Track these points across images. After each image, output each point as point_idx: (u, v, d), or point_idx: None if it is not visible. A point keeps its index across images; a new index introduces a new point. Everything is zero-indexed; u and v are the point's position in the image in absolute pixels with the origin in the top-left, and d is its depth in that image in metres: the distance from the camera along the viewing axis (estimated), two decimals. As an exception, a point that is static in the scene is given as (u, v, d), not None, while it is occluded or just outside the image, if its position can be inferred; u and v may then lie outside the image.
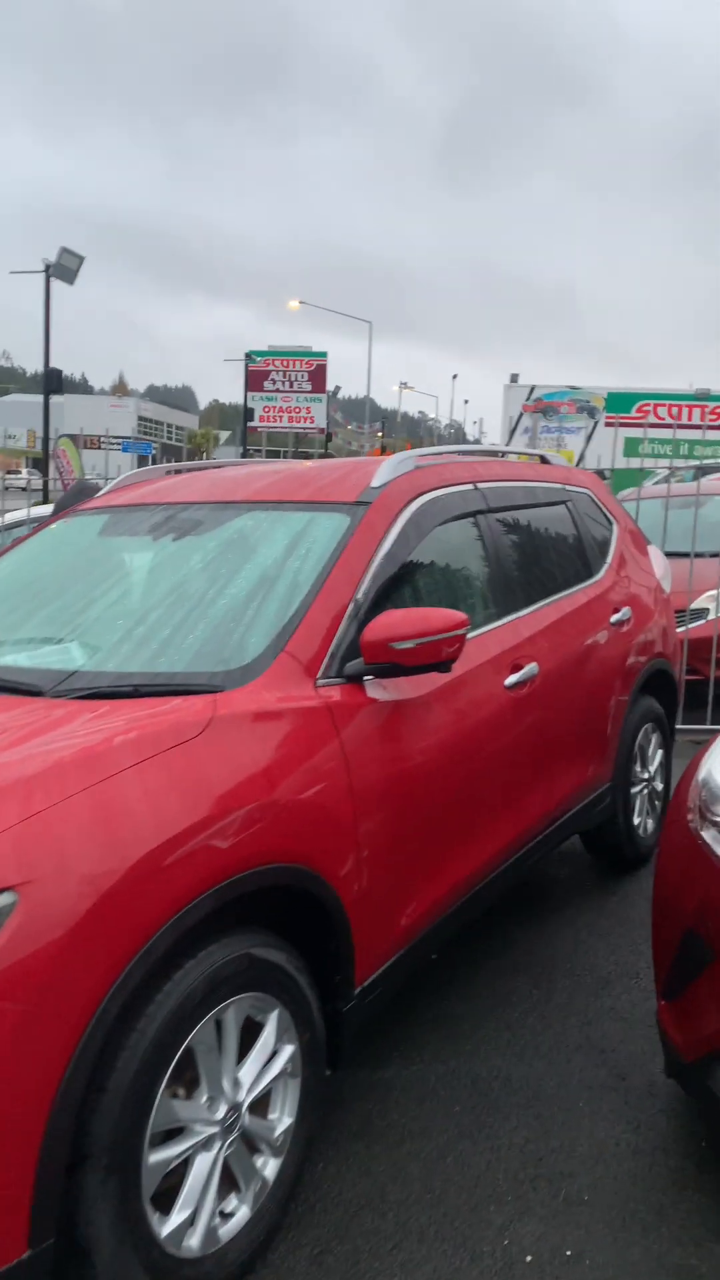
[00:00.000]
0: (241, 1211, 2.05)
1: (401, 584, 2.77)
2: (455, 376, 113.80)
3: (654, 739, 4.28)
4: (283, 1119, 2.16)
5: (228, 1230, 2.01)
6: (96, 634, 2.62)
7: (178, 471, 3.63)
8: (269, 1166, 2.13)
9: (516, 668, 3.10)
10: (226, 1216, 2.03)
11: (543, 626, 3.36)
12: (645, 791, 4.22)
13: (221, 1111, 1.98)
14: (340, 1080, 2.70)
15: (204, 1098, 1.95)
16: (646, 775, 4.23)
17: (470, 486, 3.30)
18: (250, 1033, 2.09)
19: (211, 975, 1.91)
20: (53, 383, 19.61)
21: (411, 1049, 2.86)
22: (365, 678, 2.47)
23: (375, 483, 2.91)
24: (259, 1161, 2.12)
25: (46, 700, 2.25)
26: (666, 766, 4.45)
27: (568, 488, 4.04)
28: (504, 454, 4.03)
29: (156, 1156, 1.83)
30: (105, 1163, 1.71)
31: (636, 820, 4.11)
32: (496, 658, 3.03)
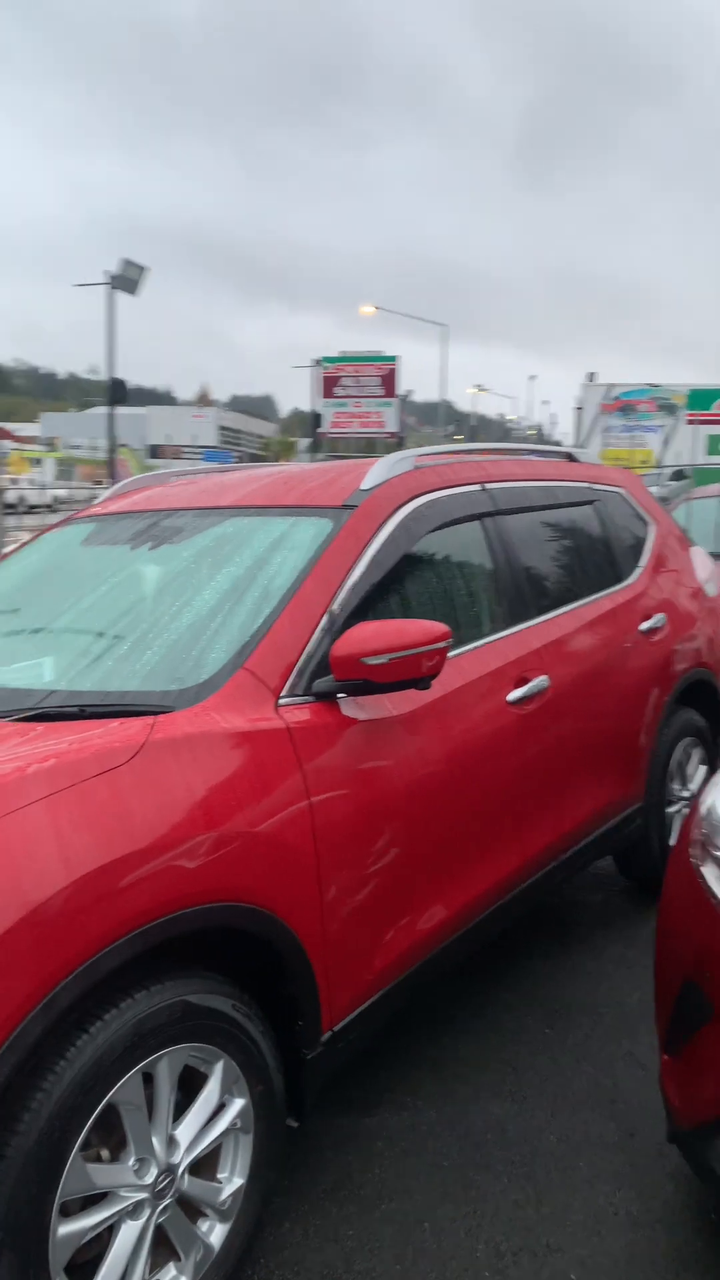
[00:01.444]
0: (180, 1283, 1.88)
1: (387, 594, 2.57)
2: (533, 377, 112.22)
3: (695, 754, 3.98)
4: (232, 1179, 1.98)
5: (162, 1305, 1.84)
6: (59, 649, 2.49)
7: (183, 476, 3.49)
8: (215, 1232, 1.96)
9: (522, 681, 2.87)
10: (164, 1288, 1.86)
11: (557, 636, 3.12)
12: (685, 811, 3.92)
13: (152, 1175, 1.81)
14: (321, 1128, 2.51)
15: (131, 1159, 1.78)
16: (687, 793, 3.93)
17: (477, 488, 3.08)
18: (195, 1085, 1.93)
19: (135, 1027, 1.74)
20: (117, 393, 19.83)
21: (404, 1093, 2.66)
22: (338, 696, 2.28)
23: (365, 485, 2.72)
24: (203, 1227, 1.94)
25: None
26: (712, 784, 4.14)
27: (595, 487, 3.78)
28: (522, 451, 3.79)
29: (69, 1227, 1.67)
30: (2, 1236, 1.55)
31: (673, 842, 3.82)
32: (498, 671, 2.80)
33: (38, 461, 42.53)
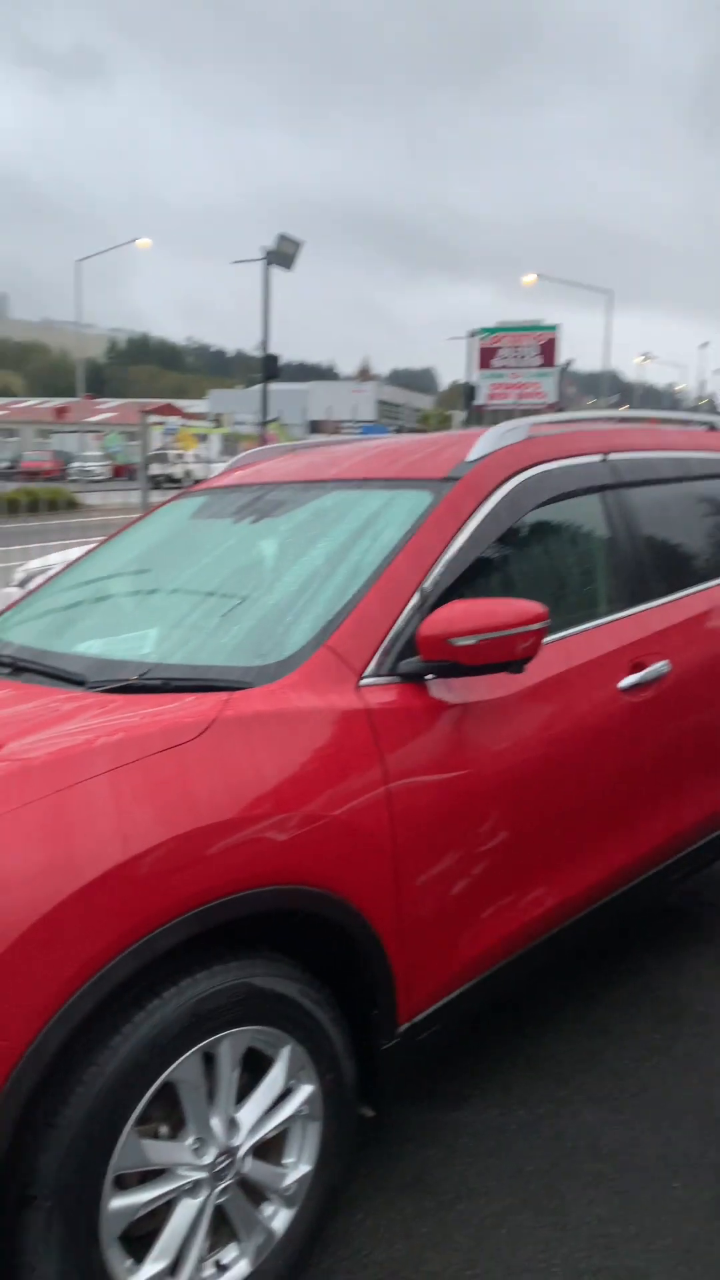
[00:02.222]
0: (240, 1266, 1.86)
1: (487, 571, 2.45)
2: (704, 345, 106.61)
3: None
4: (298, 1166, 1.95)
5: (220, 1285, 1.83)
6: (156, 622, 2.49)
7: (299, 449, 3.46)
8: (278, 1218, 1.93)
9: (638, 667, 2.69)
10: (222, 1269, 1.85)
11: (681, 619, 2.91)
12: None
13: (210, 1155, 1.79)
14: (403, 1119, 2.45)
15: (189, 1139, 1.77)
16: None
17: (597, 459, 2.90)
18: (262, 1068, 1.90)
19: (195, 1006, 1.72)
20: (270, 369, 20.06)
21: (494, 1090, 2.56)
22: (426, 677, 2.19)
23: (471, 456, 2.60)
24: (266, 1211, 1.92)
25: (77, 693, 2.13)
26: None
27: (737, 459, 3.50)
28: (657, 420, 3.55)
29: (123, 1200, 1.67)
30: (50, 1205, 1.56)
31: None
32: (610, 655, 2.63)
33: (204, 438, 43.85)
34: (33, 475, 40.53)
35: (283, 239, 18.20)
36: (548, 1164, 2.29)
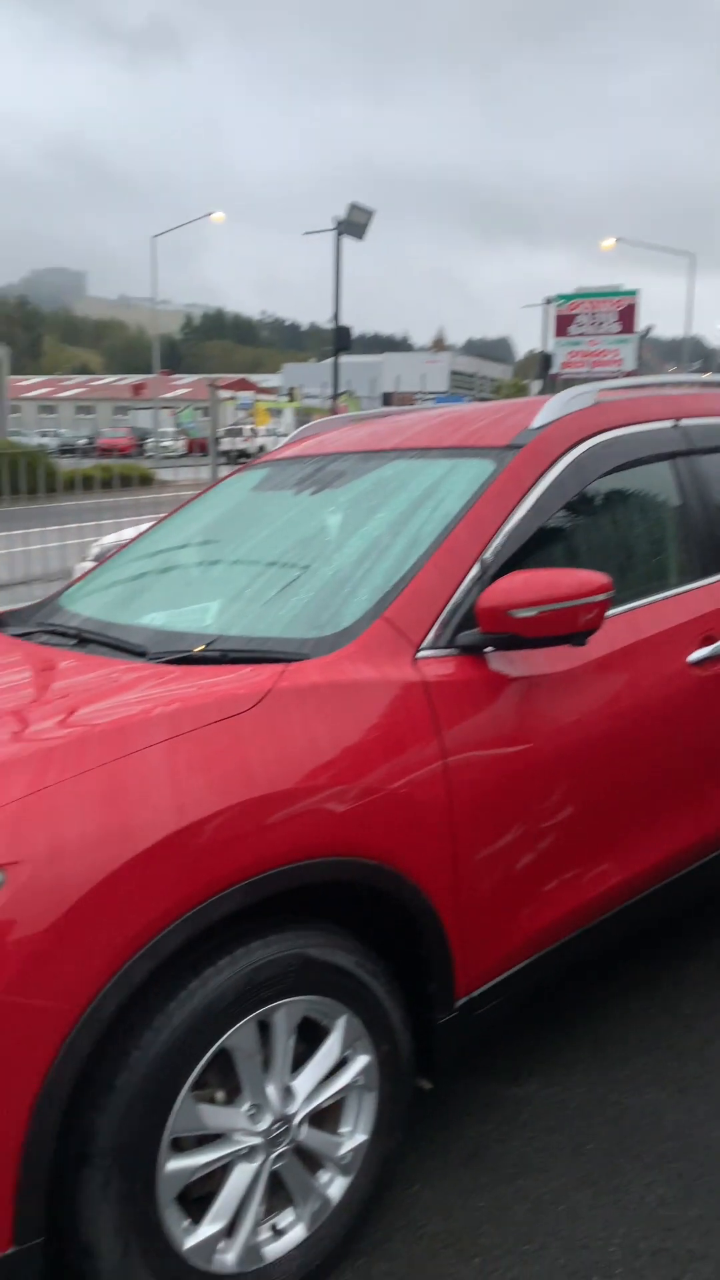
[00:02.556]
0: (296, 1231, 1.88)
1: (551, 541, 2.39)
2: None
3: None
4: (354, 1135, 1.96)
5: (276, 1249, 1.85)
6: (216, 594, 2.50)
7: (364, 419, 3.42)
8: (334, 1185, 1.94)
9: (708, 640, 2.61)
10: (279, 1233, 1.87)
11: (756, 591, 2.80)
12: None
13: (266, 1122, 1.81)
14: (463, 1092, 2.44)
15: (245, 1105, 1.79)
16: None
17: (668, 424, 2.81)
18: (318, 1038, 1.91)
19: (250, 975, 1.73)
20: (342, 340, 19.92)
21: (556, 1067, 2.53)
22: (485, 650, 2.15)
23: (536, 423, 2.54)
24: (322, 1179, 1.93)
25: (137, 663, 2.15)
26: None
27: None
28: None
29: (180, 1162, 1.70)
30: (108, 1164, 1.60)
31: None
32: (679, 628, 2.56)
33: (277, 412, 43.99)
34: (109, 452, 41.18)
35: (354, 208, 17.99)
36: (609, 1143, 2.26)
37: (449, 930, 2.02)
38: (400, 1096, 2.01)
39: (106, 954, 1.55)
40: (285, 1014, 1.81)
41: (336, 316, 19.57)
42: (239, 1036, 1.74)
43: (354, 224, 17.97)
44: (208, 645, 2.15)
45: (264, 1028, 1.80)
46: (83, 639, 2.42)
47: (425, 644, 2.10)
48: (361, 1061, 1.94)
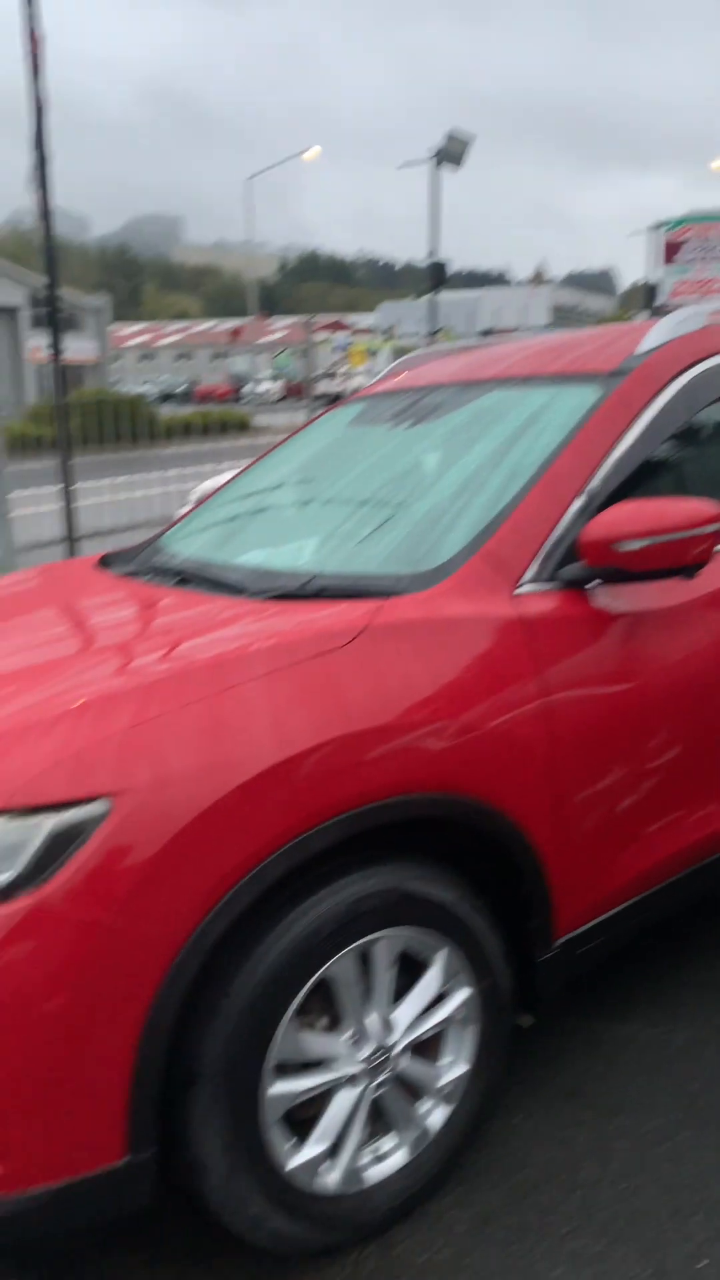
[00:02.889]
0: (396, 1157, 1.91)
1: (659, 471, 2.30)
2: None
3: None
4: (455, 1066, 1.97)
5: (377, 1173, 1.89)
6: (316, 531, 2.49)
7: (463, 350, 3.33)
8: (435, 1114, 1.96)
9: None
10: (380, 1159, 1.91)
11: None
12: None
13: (366, 1051, 1.83)
14: (566, 1028, 2.43)
15: (345, 1034, 1.82)
16: None
17: (786, 346, 2.64)
18: (418, 971, 1.92)
19: (349, 907, 1.74)
20: (438, 275, 19.43)
21: (662, 1008, 2.50)
22: (589, 585, 2.08)
23: (643, 348, 2.42)
24: (423, 1108, 1.95)
25: (236, 600, 2.15)
26: None
27: None
28: None
29: (283, 1087, 1.74)
30: (214, 1085, 1.64)
31: None
32: None
33: (373, 352, 43.46)
34: (207, 398, 41.45)
35: (451, 136, 17.39)
36: (713, 1084, 2.23)
37: (549, 869, 1.99)
38: (501, 1030, 2.02)
39: (210, 882, 1.58)
40: (385, 946, 1.82)
41: (433, 251, 19.08)
42: (339, 967, 1.76)
43: (451, 152, 17.36)
44: (297, 584, 2.14)
45: (364, 959, 1.82)
46: (183, 578, 2.45)
47: (525, 579, 2.05)
48: (462, 995, 1.95)
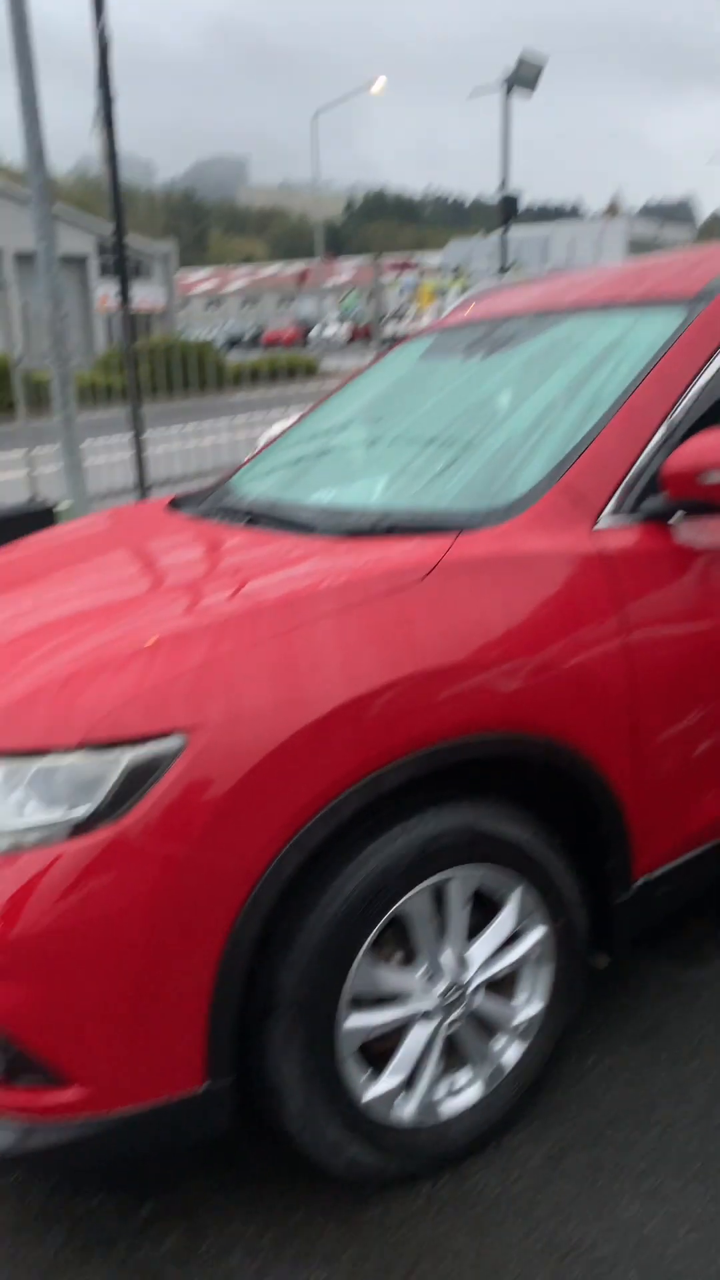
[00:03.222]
0: (471, 1091, 1.92)
1: (746, 398, 2.18)
2: None
3: None
4: (530, 1005, 1.97)
5: (452, 1107, 1.90)
6: (388, 468, 2.44)
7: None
8: (510, 1051, 1.96)
9: None
10: (455, 1093, 1.92)
11: None
12: None
13: (441, 988, 1.84)
14: (642, 970, 2.41)
15: (420, 970, 1.82)
16: None
17: None
18: (493, 909, 1.91)
19: (423, 845, 1.73)
20: (508, 209, 18.84)
21: (739, 952, 2.46)
22: (672, 518, 2.01)
23: (730, 269, 2.30)
24: (497, 1044, 1.96)
25: (306, 538, 2.13)
26: None
27: None
28: None
29: (358, 1020, 1.75)
30: (291, 1016, 1.66)
31: None
32: None
33: (442, 292, 42.61)
34: (274, 344, 41.15)
35: (523, 60, 16.69)
36: None
37: (627, 810, 1.95)
38: (577, 970, 2.00)
39: (284, 817, 1.58)
40: (459, 884, 1.81)
41: (504, 184, 18.48)
42: (413, 903, 1.76)
43: (523, 77, 16.68)
44: (368, 521, 2.10)
45: (439, 896, 1.81)
46: (252, 517, 2.43)
47: (605, 512, 1.98)
48: (537, 934, 1.93)
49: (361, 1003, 1.79)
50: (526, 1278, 1.68)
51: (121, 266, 7.80)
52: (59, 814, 1.53)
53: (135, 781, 1.53)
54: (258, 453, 3.06)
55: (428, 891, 1.78)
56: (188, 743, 1.54)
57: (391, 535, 2.02)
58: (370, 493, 2.40)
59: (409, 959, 1.83)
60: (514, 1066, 1.96)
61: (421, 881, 1.75)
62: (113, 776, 1.52)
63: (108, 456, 8.87)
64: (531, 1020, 1.96)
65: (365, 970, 1.73)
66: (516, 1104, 1.97)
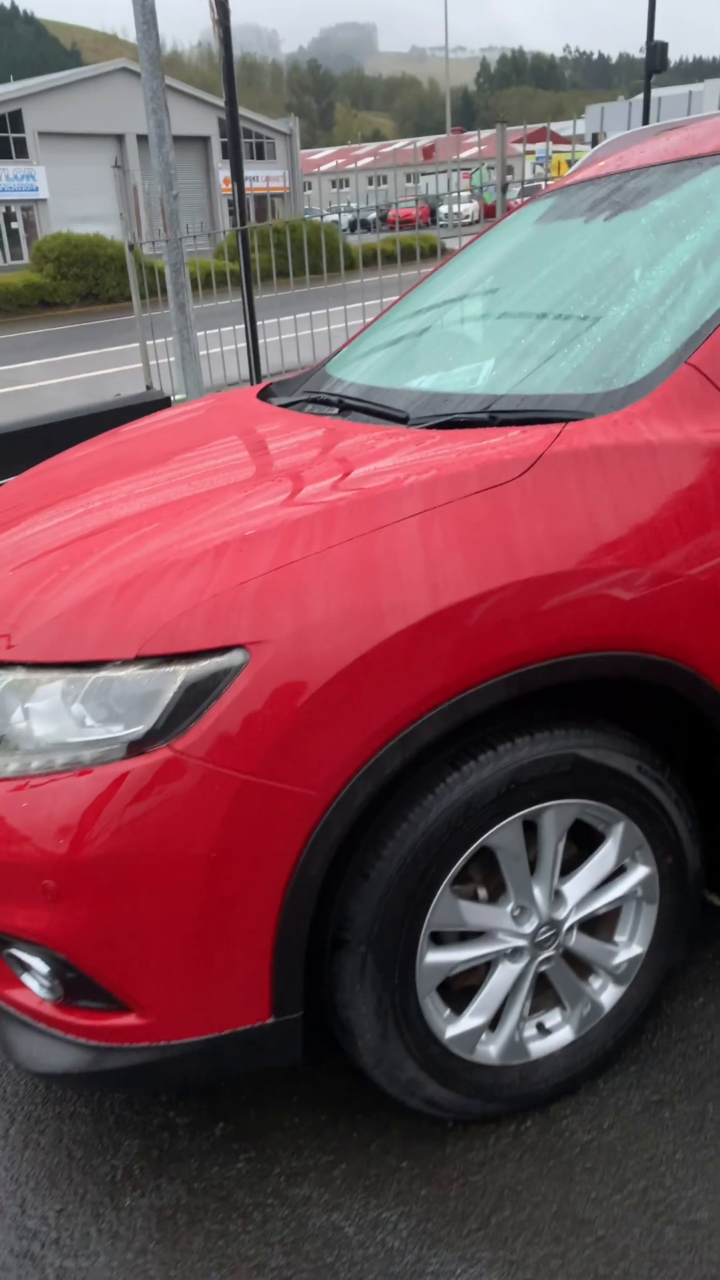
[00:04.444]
0: (562, 1033, 1.79)
1: None
2: None
3: None
4: (630, 946, 1.80)
5: (542, 1047, 1.77)
6: (493, 349, 2.19)
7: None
8: (606, 992, 1.81)
9: None
10: (545, 1032, 1.79)
11: None
12: None
13: (532, 925, 1.69)
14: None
15: (509, 905, 1.67)
16: None
17: None
18: (594, 843, 1.74)
19: (514, 774, 1.56)
20: (655, 61, 17.20)
21: None
22: None
23: None
24: (594, 984, 1.81)
25: (397, 429, 1.92)
26: None
27: None
28: None
29: (439, 956, 1.63)
30: (364, 950, 1.54)
31: None
32: None
33: (575, 164, 39.90)
34: (403, 224, 39.55)
35: None
36: None
37: (752, 738, 1.73)
38: (686, 911, 1.82)
39: (356, 741, 1.43)
40: (554, 816, 1.64)
41: (650, 30, 16.78)
42: (502, 836, 1.60)
43: None
44: (476, 406, 1.87)
45: (532, 829, 1.65)
46: (344, 406, 2.23)
47: (743, 396, 1.69)
48: (641, 872, 1.75)
49: (443, 938, 1.66)
50: (612, 1237, 1.56)
51: (234, 139, 7.45)
52: (117, 730, 1.42)
53: (194, 699, 1.39)
54: (357, 334, 2.82)
55: (518, 824, 1.61)
56: (250, 658, 1.40)
57: (493, 425, 1.79)
58: (474, 377, 2.15)
59: (496, 894, 1.69)
60: (610, 1010, 1.81)
61: (512, 814, 1.59)
62: (169, 693, 1.39)
63: (232, 344, 8.65)
64: (631, 963, 1.80)
65: (447, 904, 1.59)
66: (613, 1048, 1.83)
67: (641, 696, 1.73)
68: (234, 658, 1.40)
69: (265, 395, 2.63)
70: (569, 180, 2.65)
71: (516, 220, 2.69)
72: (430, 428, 1.86)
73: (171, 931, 1.43)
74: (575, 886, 1.72)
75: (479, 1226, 1.59)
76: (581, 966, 1.80)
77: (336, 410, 2.23)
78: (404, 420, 1.97)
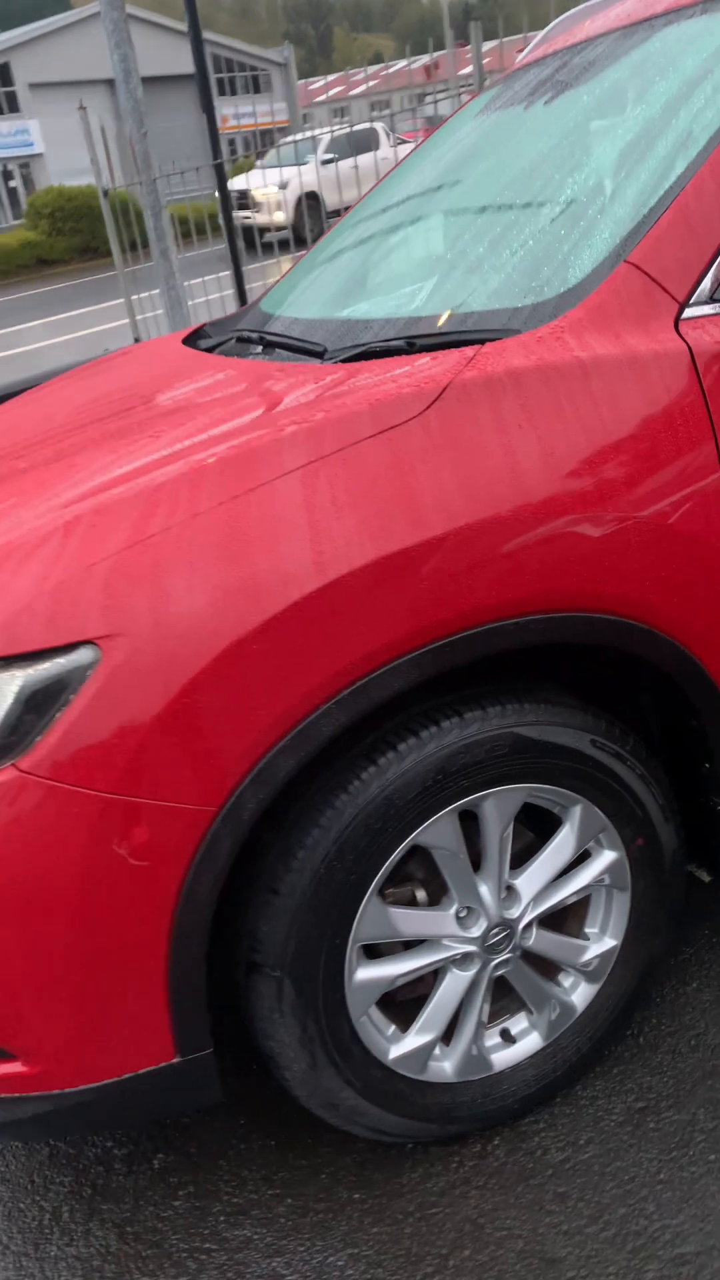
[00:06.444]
0: (529, 1040, 1.59)
1: None
2: None
3: None
4: (602, 939, 1.59)
5: (507, 1057, 1.58)
6: (424, 265, 1.92)
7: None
8: (578, 991, 1.61)
9: None
10: (509, 1040, 1.59)
11: None
12: None
13: (481, 927, 1.48)
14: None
15: (453, 908, 1.46)
16: None
17: None
18: (551, 829, 1.52)
19: (442, 762, 1.34)
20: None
21: None
22: None
23: None
24: (564, 984, 1.61)
25: (306, 366, 1.67)
26: None
27: None
28: None
29: (372, 972, 1.42)
30: (279, 974, 1.35)
31: None
32: None
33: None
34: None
35: None
36: None
37: (730, 698, 1.49)
38: (666, 894, 1.60)
39: (239, 743, 1.21)
40: (495, 805, 1.42)
41: None
42: (435, 833, 1.38)
43: None
44: (392, 333, 1.62)
45: (472, 819, 1.43)
46: (266, 344, 1.97)
47: (695, 299, 1.42)
48: (607, 858, 1.53)
49: (381, 950, 1.46)
50: (587, 1277, 1.37)
51: (200, 63, 7.03)
52: None
53: (38, 708, 1.18)
54: (291, 267, 2.55)
55: (454, 817, 1.40)
56: (101, 655, 1.18)
57: (410, 353, 1.53)
58: (409, 300, 1.89)
59: (437, 896, 1.48)
60: (584, 1010, 1.61)
61: (444, 807, 1.37)
62: (5, 703, 1.18)
63: (219, 292, 8.30)
64: (605, 956, 1.59)
65: (376, 914, 1.39)
66: (589, 1052, 1.63)
67: (595, 661, 1.50)
68: (82, 655, 1.18)
69: (196, 338, 2.37)
70: (516, 66, 2.34)
71: (459, 119, 2.38)
72: (345, 361, 1.60)
73: (40, 972, 1.24)
74: (529, 880, 1.50)
75: (435, 1271, 1.41)
76: (548, 966, 1.59)
77: (260, 350, 1.98)
78: (321, 354, 1.72)
